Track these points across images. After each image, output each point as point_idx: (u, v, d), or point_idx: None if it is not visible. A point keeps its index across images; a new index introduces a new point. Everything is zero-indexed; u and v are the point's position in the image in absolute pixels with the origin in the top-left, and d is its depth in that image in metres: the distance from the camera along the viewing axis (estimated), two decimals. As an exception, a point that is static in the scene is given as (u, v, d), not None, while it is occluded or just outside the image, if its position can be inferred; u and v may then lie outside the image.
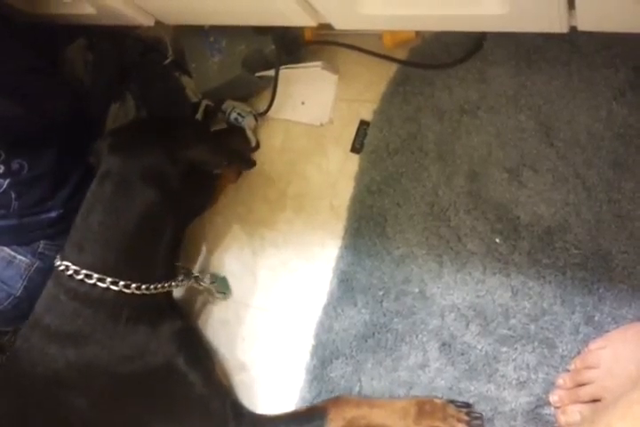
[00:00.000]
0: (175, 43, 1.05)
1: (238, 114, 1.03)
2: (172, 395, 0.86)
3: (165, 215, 0.88)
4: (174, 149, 0.87)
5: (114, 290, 0.84)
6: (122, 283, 0.84)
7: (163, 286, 0.88)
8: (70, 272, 0.84)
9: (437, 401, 0.78)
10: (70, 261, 0.85)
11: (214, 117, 1.05)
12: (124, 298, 0.84)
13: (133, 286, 0.84)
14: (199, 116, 1.05)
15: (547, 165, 0.81)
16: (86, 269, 0.84)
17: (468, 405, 0.78)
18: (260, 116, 1.03)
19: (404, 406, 0.78)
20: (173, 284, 0.91)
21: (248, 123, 1.03)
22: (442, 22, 0.71)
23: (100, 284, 0.83)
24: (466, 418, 0.76)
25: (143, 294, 0.86)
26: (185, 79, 1.06)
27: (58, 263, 0.86)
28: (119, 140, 0.90)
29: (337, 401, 0.83)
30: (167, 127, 0.92)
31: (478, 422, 0.77)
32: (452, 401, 0.78)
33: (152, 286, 0.87)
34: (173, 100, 1.06)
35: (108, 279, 0.83)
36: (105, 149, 0.89)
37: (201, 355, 0.91)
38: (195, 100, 1.06)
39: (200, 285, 0.98)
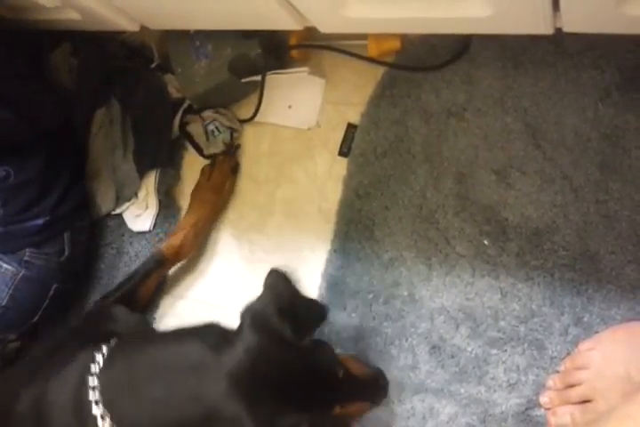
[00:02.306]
0: (161, 47, 1.05)
1: (216, 127, 1.03)
2: None
3: None
4: None
5: None
6: None
7: None
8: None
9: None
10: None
11: (192, 119, 1.05)
12: None
13: None
14: (179, 114, 1.05)
15: (534, 166, 0.82)
16: None
17: None
18: (247, 121, 1.03)
19: None
20: None
21: (223, 138, 1.02)
22: (427, 25, 0.71)
23: None
24: None
25: None
26: (167, 77, 1.05)
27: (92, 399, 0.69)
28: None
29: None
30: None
31: None
32: None
33: None
34: (156, 99, 1.05)
35: None
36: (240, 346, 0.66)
37: None
38: (177, 95, 1.05)
39: None
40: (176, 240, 0.98)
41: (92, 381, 0.70)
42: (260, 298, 0.70)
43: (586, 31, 0.62)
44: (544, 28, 0.64)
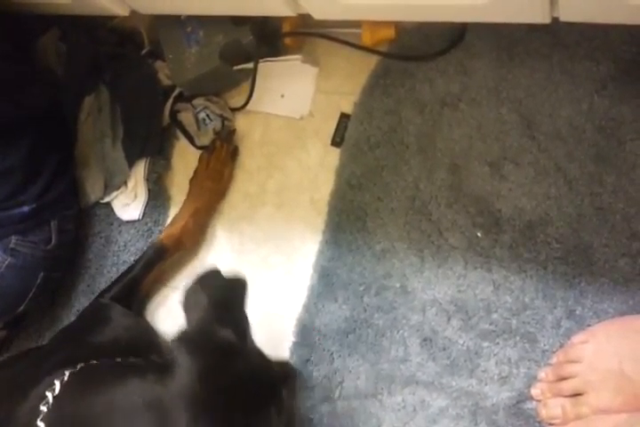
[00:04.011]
0: (151, 33, 1.03)
1: (207, 115, 1.02)
2: None
3: None
4: None
5: None
6: None
7: None
8: None
9: None
10: None
11: (183, 107, 1.03)
12: None
13: None
14: (169, 102, 1.03)
15: (528, 158, 0.81)
16: None
17: None
18: (239, 109, 1.01)
19: None
20: None
21: (214, 126, 1.01)
22: (422, 12, 0.70)
23: None
24: None
25: None
26: (158, 64, 1.04)
27: None
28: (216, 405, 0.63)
29: None
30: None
31: None
32: None
33: None
34: (146, 87, 1.03)
35: None
36: (188, 371, 0.64)
37: None
38: (167, 83, 1.04)
39: None
40: (176, 230, 0.97)
41: (43, 411, 0.66)
42: (189, 320, 0.69)
43: (583, 20, 0.62)
44: (541, 17, 0.63)
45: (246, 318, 0.74)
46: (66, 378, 0.69)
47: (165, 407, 0.62)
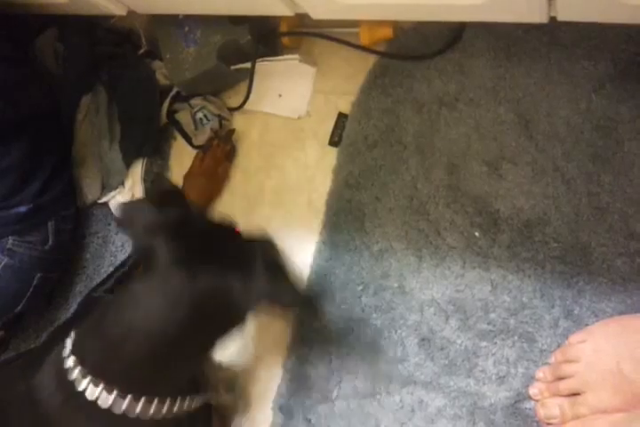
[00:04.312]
0: (149, 33, 1.03)
1: (204, 115, 1.02)
2: None
3: (207, 346, 0.75)
4: (249, 290, 0.70)
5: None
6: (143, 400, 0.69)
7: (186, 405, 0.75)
8: (85, 385, 0.67)
9: None
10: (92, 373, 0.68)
11: (181, 107, 1.03)
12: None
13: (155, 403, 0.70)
14: (166, 101, 1.03)
15: (526, 157, 0.81)
16: (109, 383, 0.67)
17: None
18: (237, 109, 1.01)
19: None
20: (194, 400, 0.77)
21: (212, 126, 1.01)
22: (420, 12, 0.70)
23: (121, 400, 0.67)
24: None
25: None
26: (156, 63, 1.04)
27: (70, 365, 0.69)
28: (188, 255, 0.71)
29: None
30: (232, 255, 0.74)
31: None
32: None
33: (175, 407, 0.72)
34: (144, 87, 1.03)
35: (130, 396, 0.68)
36: (166, 256, 0.70)
37: None
38: (165, 82, 1.04)
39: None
40: None
41: (65, 352, 0.70)
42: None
43: (580, 20, 0.62)
44: (538, 16, 0.63)
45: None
46: (73, 334, 0.73)
47: (160, 278, 0.69)
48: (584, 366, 0.67)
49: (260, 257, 0.72)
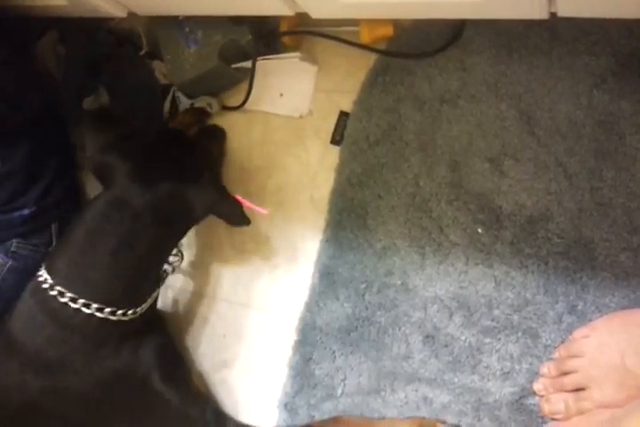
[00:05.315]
0: (149, 34, 1.03)
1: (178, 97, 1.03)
2: (151, 413, 0.84)
3: (170, 247, 0.89)
4: (197, 196, 0.83)
5: (98, 317, 0.79)
6: (108, 310, 0.79)
7: (148, 303, 0.85)
8: (54, 293, 0.78)
9: (440, 426, 0.77)
10: (59, 283, 0.79)
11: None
12: (109, 324, 0.80)
13: (120, 312, 0.80)
14: (168, 101, 1.04)
15: (528, 153, 0.81)
16: (74, 293, 0.78)
17: None
18: (238, 108, 1.01)
19: None
20: (156, 293, 0.89)
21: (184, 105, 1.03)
22: (420, 9, 0.70)
23: (84, 309, 0.78)
24: None
25: (130, 319, 0.82)
26: (156, 63, 1.04)
27: (42, 278, 0.80)
28: (139, 168, 0.82)
29: (336, 421, 0.82)
30: (182, 161, 0.87)
31: None
32: (457, 426, 0.76)
33: (139, 309, 0.83)
34: (145, 87, 1.03)
35: (94, 305, 0.78)
36: (121, 172, 0.81)
37: (177, 369, 0.88)
38: (164, 82, 1.04)
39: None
40: None
41: (42, 275, 0.80)
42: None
43: (581, 15, 0.61)
44: (539, 12, 0.63)
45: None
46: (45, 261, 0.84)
47: (117, 191, 0.81)
48: (588, 362, 0.68)
49: (208, 170, 0.87)
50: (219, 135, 1.02)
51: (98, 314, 0.78)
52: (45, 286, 0.79)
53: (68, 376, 0.80)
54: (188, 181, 0.83)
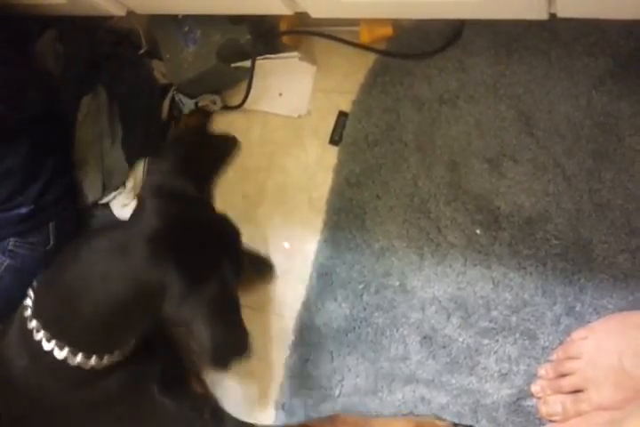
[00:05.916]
0: (148, 33, 1.03)
1: (179, 99, 1.03)
2: (148, 418, 0.84)
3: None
4: (181, 311, 0.72)
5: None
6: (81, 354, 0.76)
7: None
8: (50, 347, 0.75)
9: (440, 423, 0.77)
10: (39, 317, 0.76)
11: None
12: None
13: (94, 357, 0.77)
14: (167, 101, 1.04)
15: (527, 154, 0.81)
16: (72, 346, 0.75)
17: None
18: (237, 108, 1.01)
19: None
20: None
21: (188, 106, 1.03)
22: (419, 10, 0.70)
23: (73, 358, 0.76)
24: None
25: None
26: (155, 62, 1.04)
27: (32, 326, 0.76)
28: (165, 236, 0.72)
29: (333, 419, 0.81)
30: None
31: None
32: (455, 424, 0.76)
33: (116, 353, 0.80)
34: (144, 86, 1.03)
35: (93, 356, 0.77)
36: (148, 225, 0.73)
37: (176, 380, 0.87)
38: (163, 81, 1.04)
39: None
40: None
41: (27, 311, 0.78)
42: (152, 171, 0.81)
43: (580, 16, 0.61)
44: (538, 13, 0.63)
45: (209, 176, 0.85)
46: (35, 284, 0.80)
47: (128, 243, 0.71)
48: (586, 363, 0.67)
49: (211, 296, 0.72)
50: (231, 147, 1.00)
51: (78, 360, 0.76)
52: (38, 338, 0.76)
53: (66, 400, 0.80)
54: (180, 288, 0.71)
